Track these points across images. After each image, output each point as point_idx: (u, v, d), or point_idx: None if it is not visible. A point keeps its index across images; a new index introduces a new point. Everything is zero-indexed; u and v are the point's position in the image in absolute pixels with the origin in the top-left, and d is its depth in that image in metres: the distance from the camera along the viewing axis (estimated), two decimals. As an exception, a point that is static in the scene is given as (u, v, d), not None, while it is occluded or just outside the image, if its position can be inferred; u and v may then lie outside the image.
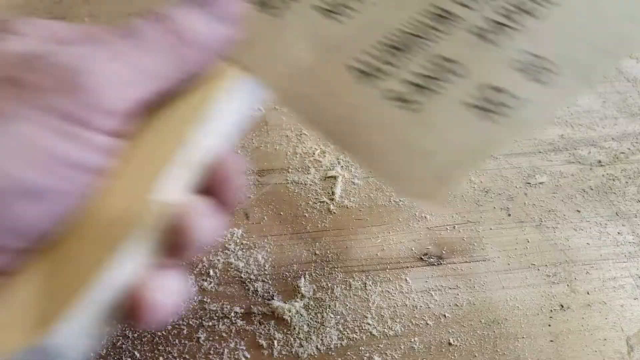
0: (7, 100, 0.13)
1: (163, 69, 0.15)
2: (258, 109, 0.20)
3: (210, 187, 0.16)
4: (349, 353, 0.25)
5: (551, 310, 0.27)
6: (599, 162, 0.33)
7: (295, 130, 0.36)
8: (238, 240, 0.29)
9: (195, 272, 0.27)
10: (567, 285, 0.28)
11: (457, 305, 0.27)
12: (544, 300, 0.27)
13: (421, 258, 0.29)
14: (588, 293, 0.28)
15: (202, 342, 0.25)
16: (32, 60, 0.14)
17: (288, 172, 0.33)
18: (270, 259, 0.28)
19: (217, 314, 0.26)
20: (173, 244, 0.15)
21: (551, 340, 0.26)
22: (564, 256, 0.29)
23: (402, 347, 0.26)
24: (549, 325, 0.26)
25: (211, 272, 0.27)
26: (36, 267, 0.14)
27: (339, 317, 0.26)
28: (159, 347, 0.25)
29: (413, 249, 0.29)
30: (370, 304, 0.27)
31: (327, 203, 0.31)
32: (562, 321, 0.27)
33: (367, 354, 0.25)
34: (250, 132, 0.36)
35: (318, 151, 0.35)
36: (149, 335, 0.24)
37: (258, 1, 0.19)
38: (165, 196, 0.15)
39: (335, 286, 0.27)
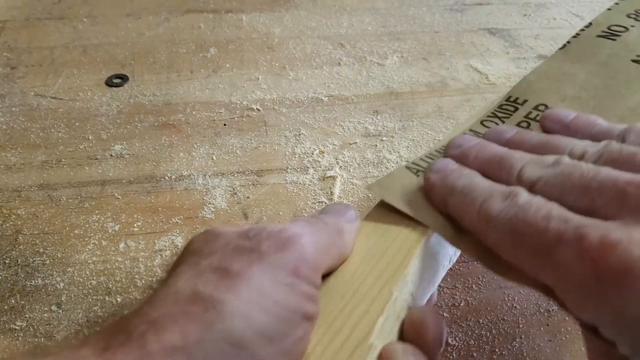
0: (242, 263, 0.16)
1: (328, 256, 0.19)
2: (448, 263, 0.25)
3: (411, 336, 0.19)
4: (347, 353, 0.25)
5: (549, 310, 0.27)
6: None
7: (294, 130, 0.36)
8: (237, 241, 0.29)
9: (194, 272, 0.27)
10: (565, 284, 0.28)
11: (455, 305, 0.27)
12: (541, 299, 0.27)
13: (419, 258, 0.29)
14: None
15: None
16: (250, 232, 0.18)
17: (287, 172, 0.33)
18: (269, 259, 0.28)
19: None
20: None
21: (549, 340, 0.26)
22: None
23: (401, 346, 0.26)
24: (547, 325, 0.27)
25: (210, 272, 0.27)
26: None
27: (337, 317, 0.26)
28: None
29: (411, 249, 0.29)
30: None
31: (325, 203, 0.31)
32: (560, 320, 0.27)
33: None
34: (249, 133, 0.36)
35: (317, 151, 0.35)
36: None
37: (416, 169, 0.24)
38: (380, 342, 0.18)
39: (334, 286, 0.28)
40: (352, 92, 0.40)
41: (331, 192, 0.32)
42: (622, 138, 0.20)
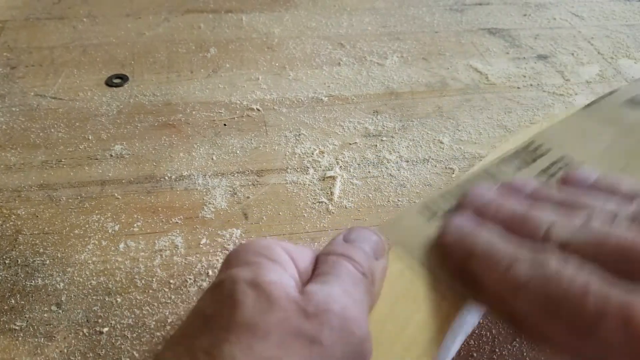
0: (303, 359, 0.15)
1: (367, 306, 0.18)
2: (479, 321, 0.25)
3: None
4: (347, 353, 0.25)
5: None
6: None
7: (294, 130, 0.36)
8: (237, 241, 0.29)
9: (194, 272, 0.27)
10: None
11: (455, 305, 0.27)
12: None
13: (419, 258, 0.29)
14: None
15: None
16: (309, 305, 0.16)
17: (287, 172, 0.33)
18: (269, 259, 0.28)
19: (216, 314, 0.26)
20: None
21: (549, 340, 0.26)
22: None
23: (401, 346, 0.26)
24: (547, 325, 0.27)
25: (210, 272, 0.27)
26: None
27: (337, 317, 0.26)
28: (158, 347, 0.25)
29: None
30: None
31: (325, 203, 0.31)
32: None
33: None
34: (249, 133, 0.36)
35: (317, 151, 0.35)
36: (148, 336, 0.24)
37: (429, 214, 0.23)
38: None
39: (333, 286, 0.28)
40: (352, 92, 0.40)
41: (331, 192, 0.32)
42: None
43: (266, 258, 0.17)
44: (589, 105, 0.30)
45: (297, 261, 0.18)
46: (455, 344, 0.22)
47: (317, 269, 0.18)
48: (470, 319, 0.22)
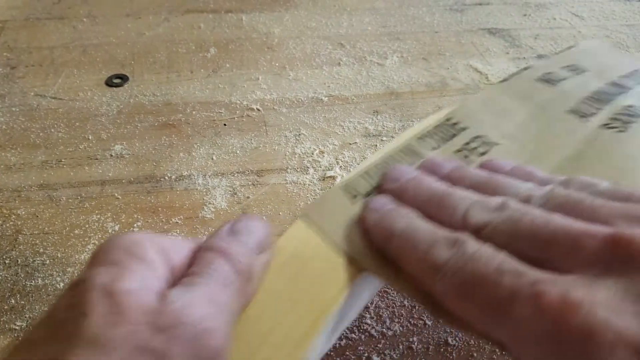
0: None
1: (237, 307, 0.17)
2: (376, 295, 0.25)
3: None
4: (347, 353, 0.25)
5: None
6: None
7: (294, 130, 0.36)
8: (237, 241, 0.29)
9: (194, 272, 0.27)
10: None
11: (455, 305, 0.27)
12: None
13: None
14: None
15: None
16: (163, 318, 0.15)
17: (287, 172, 0.33)
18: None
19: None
20: None
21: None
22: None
23: (401, 346, 0.26)
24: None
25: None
26: None
27: (337, 317, 0.26)
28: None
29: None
30: (368, 304, 0.27)
31: (325, 203, 0.31)
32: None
33: (366, 354, 0.25)
34: (249, 133, 0.36)
35: (317, 151, 0.35)
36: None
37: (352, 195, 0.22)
38: None
39: (333, 286, 0.28)
40: (352, 92, 0.40)
41: (331, 192, 0.32)
42: (564, 187, 0.19)
43: (133, 257, 0.16)
44: (504, 80, 0.30)
45: (172, 258, 0.17)
46: (335, 334, 0.21)
47: (191, 267, 0.17)
48: (350, 312, 0.22)
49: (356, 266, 0.20)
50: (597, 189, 0.18)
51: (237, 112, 0.38)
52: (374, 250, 0.20)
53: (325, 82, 0.41)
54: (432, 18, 0.51)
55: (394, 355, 0.26)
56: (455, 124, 0.26)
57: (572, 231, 0.16)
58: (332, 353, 0.25)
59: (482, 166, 0.23)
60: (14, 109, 0.37)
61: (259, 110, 0.38)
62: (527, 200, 0.18)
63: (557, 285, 0.14)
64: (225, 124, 0.37)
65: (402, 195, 0.21)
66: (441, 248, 0.17)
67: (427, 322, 0.27)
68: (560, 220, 0.16)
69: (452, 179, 0.21)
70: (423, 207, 0.20)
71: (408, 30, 0.49)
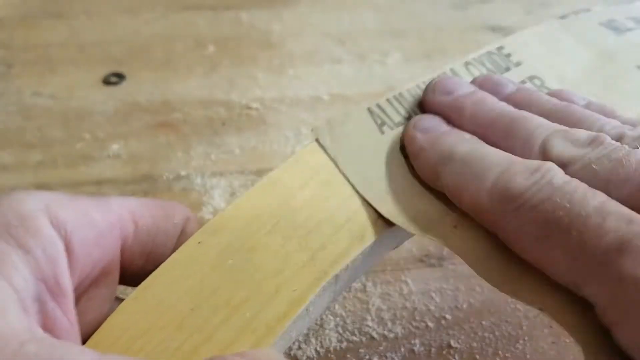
0: None
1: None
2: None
3: None
4: (348, 356, 0.25)
5: (553, 312, 0.27)
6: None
7: (294, 129, 0.36)
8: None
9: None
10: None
11: (457, 307, 0.27)
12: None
13: (422, 259, 0.28)
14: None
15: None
16: None
17: (286, 172, 0.33)
18: (268, 260, 0.28)
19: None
20: None
21: (553, 342, 0.26)
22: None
23: (402, 349, 0.25)
24: (551, 327, 0.26)
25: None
26: None
27: (338, 319, 0.26)
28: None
29: (413, 250, 0.29)
30: (370, 306, 0.27)
31: (326, 203, 0.31)
32: (564, 323, 0.26)
33: (367, 357, 0.25)
34: (248, 132, 0.36)
35: (317, 150, 0.34)
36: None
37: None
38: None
39: (334, 288, 0.27)
40: (353, 91, 0.40)
41: (331, 192, 0.31)
42: None
43: (9, 239, 0.11)
44: (563, 16, 0.26)
45: (74, 244, 0.12)
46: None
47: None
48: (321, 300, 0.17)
49: (374, 220, 0.15)
50: None
51: (236, 110, 0.37)
52: (411, 194, 0.15)
53: (326, 80, 0.41)
54: (434, 15, 0.50)
55: (396, 358, 0.25)
56: (508, 55, 0.22)
57: None
58: (332, 356, 0.25)
59: (553, 94, 0.19)
60: (9, 107, 0.37)
61: (258, 108, 0.38)
62: (618, 139, 0.14)
63: None
64: (223, 123, 0.36)
65: (456, 114, 0.17)
66: (519, 174, 0.13)
67: (429, 324, 0.26)
68: None
69: (518, 103, 0.17)
70: (484, 132, 0.16)
71: (410, 28, 0.48)
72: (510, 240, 0.14)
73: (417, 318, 0.26)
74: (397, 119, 0.18)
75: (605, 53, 0.23)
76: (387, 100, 0.19)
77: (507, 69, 0.21)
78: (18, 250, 0.11)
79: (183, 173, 0.32)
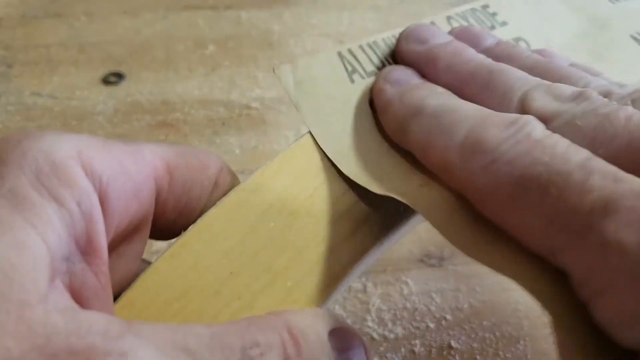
0: None
1: None
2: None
3: None
4: (348, 356, 0.25)
5: (554, 312, 0.27)
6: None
7: (294, 129, 0.36)
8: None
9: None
10: (570, 286, 0.27)
11: (458, 308, 0.27)
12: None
13: (422, 260, 0.28)
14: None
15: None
16: None
17: (286, 172, 0.33)
18: (268, 260, 0.28)
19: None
20: None
21: (554, 342, 0.26)
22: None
23: (403, 350, 0.25)
24: (552, 328, 0.26)
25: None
26: None
27: (338, 319, 0.26)
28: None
29: (414, 250, 0.29)
30: (370, 307, 0.27)
31: (326, 203, 0.31)
32: (565, 323, 0.26)
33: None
34: (248, 132, 0.36)
35: (317, 151, 0.34)
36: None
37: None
38: None
39: (334, 288, 0.27)
40: (353, 90, 0.40)
41: (332, 192, 0.31)
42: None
43: (38, 191, 0.09)
44: None
45: (117, 192, 0.11)
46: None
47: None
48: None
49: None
50: None
51: (236, 110, 0.37)
52: (377, 152, 0.14)
53: (326, 80, 0.41)
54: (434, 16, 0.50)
55: (396, 359, 0.25)
56: (493, 14, 0.21)
57: None
58: (332, 357, 0.25)
59: (536, 51, 0.17)
60: (9, 107, 0.37)
61: (258, 108, 0.38)
62: (606, 94, 0.13)
63: None
64: (223, 123, 0.36)
65: (430, 65, 0.15)
66: (494, 127, 0.12)
67: (429, 325, 0.26)
68: None
69: (497, 57, 0.16)
70: (460, 85, 0.14)
71: (409, 28, 0.48)
72: (480, 200, 0.12)
73: (418, 318, 0.26)
74: (370, 68, 0.16)
75: (597, 20, 0.22)
76: (360, 47, 0.17)
77: (492, 28, 0.20)
78: (53, 203, 0.10)
79: (183, 173, 0.32)
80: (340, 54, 0.17)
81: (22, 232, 0.09)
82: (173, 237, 0.14)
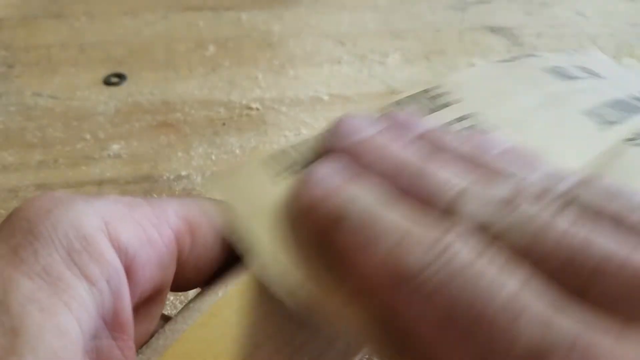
0: None
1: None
2: None
3: None
4: (348, 356, 0.25)
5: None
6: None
7: (294, 129, 0.36)
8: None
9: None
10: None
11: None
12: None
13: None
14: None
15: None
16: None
17: (286, 172, 0.33)
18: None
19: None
20: None
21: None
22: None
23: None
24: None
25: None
26: None
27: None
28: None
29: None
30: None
31: (326, 204, 0.31)
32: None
33: (367, 355, 0.25)
34: (249, 132, 0.36)
35: (317, 151, 0.34)
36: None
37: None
38: None
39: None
40: (353, 91, 0.40)
41: (331, 192, 0.31)
42: (579, 191, 0.12)
43: (70, 267, 0.10)
44: (506, 60, 0.25)
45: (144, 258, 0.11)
46: None
47: None
48: None
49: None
50: (634, 201, 0.11)
51: (236, 111, 0.37)
52: (309, 247, 0.13)
53: (326, 81, 0.41)
54: (433, 16, 0.50)
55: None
56: (442, 94, 0.20)
57: (630, 264, 0.09)
58: (332, 356, 0.25)
59: (472, 136, 0.16)
60: (10, 108, 0.37)
61: (258, 109, 0.38)
62: (541, 196, 0.12)
63: (615, 350, 0.08)
64: (224, 123, 0.36)
65: (358, 160, 0.14)
66: (416, 247, 0.10)
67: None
68: (605, 243, 0.10)
69: (426, 147, 0.15)
70: (389, 181, 0.13)
71: (409, 29, 0.48)
72: (400, 332, 0.11)
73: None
74: (301, 164, 0.15)
75: (549, 96, 0.22)
76: (291, 146, 0.16)
77: (445, 105, 0.20)
78: (84, 282, 0.10)
79: (183, 173, 0.32)
80: (263, 161, 0.16)
81: (62, 317, 0.09)
82: (186, 290, 0.14)
